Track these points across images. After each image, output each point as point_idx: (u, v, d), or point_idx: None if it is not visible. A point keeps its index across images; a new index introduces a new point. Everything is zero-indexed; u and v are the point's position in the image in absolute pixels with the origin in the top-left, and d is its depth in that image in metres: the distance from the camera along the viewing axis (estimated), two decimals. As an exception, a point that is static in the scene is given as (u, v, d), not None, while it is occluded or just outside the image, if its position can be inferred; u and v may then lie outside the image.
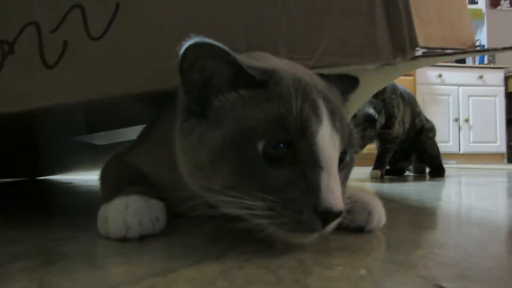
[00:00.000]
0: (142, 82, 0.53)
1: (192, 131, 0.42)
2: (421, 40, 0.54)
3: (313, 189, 0.37)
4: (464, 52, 0.66)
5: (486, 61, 4.54)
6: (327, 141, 0.38)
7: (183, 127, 0.43)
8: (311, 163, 0.38)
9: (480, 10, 4.57)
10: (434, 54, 0.66)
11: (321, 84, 0.43)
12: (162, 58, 0.50)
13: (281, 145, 0.38)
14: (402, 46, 0.53)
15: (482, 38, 4.63)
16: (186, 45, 0.38)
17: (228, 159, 0.38)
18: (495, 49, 0.70)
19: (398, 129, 1.72)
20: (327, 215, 0.37)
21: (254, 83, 0.40)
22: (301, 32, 0.53)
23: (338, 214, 0.37)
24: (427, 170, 1.94)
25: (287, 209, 0.37)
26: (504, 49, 0.66)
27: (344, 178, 0.43)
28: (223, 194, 0.39)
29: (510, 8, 4.74)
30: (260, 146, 0.37)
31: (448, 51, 0.65)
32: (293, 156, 0.38)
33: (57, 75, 0.52)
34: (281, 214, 0.37)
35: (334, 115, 0.40)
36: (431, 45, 0.60)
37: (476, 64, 4.58)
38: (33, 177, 1.76)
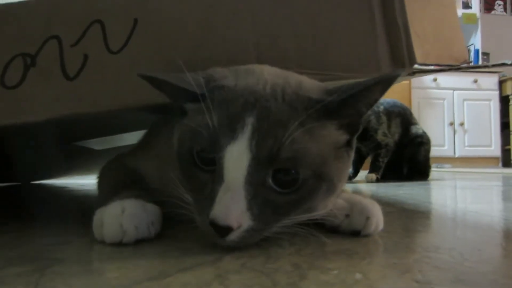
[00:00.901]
0: (158, 94, 0.55)
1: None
2: (419, 57, 0.57)
3: (211, 198, 0.40)
4: (458, 68, 0.69)
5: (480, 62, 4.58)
6: (234, 158, 0.39)
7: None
8: (218, 175, 0.40)
9: (474, 14, 4.61)
10: (430, 70, 0.69)
11: (278, 99, 0.41)
12: (177, 72, 0.54)
13: (202, 153, 0.42)
14: (401, 62, 0.56)
15: (476, 42, 4.67)
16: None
17: (177, 158, 0.46)
18: (486, 66, 0.74)
19: (384, 139, 1.81)
20: (214, 226, 0.39)
21: (200, 97, 0.43)
22: (309, 49, 0.56)
23: (225, 228, 0.38)
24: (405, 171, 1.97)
25: (195, 209, 0.43)
26: (494, 65, 0.70)
27: (289, 200, 0.41)
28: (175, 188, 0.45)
29: (504, 13, 4.79)
30: (194, 149, 0.42)
31: (443, 67, 0.68)
32: (211, 166, 0.41)
33: (77, 87, 0.54)
34: (197, 214, 0.42)
35: (263, 133, 0.39)
36: (427, 62, 0.63)
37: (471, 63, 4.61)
38: (27, 181, 1.74)
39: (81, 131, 0.92)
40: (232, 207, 0.38)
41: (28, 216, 0.75)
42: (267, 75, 0.45)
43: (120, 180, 0.59)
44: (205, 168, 0.42)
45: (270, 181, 0.40)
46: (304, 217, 0.44)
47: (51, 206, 0.96)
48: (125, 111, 0.58)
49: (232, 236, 0.39)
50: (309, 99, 0.42)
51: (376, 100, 0.44)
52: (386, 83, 0.42)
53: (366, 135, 1.77)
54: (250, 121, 0.39)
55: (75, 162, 1.47)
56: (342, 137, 0.44)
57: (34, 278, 0.33)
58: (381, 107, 1.83)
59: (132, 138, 0.80)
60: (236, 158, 0.39)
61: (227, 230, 0.38)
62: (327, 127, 0.43)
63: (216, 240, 0.40)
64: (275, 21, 0.56)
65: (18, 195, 1.28)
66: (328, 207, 0.47)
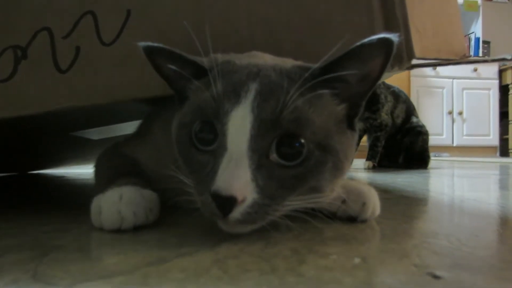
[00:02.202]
0: (152, 87, 0.54)
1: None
2: (417, 52, 0.57)
3: (213, 173, 0.37)
4: (457, 62, 0.69)
5: (480, 54, 4.56)
6: (238, 122, 0.38)
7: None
8: (221, 145, 0.38)
9: (476, 2, 4.57)
10: (429, 64, 0.69)
11: (276, 72, 0.41)
12: None
13: (208, 128, 0.40)
14: (400, 57, 0.56)
15: (477, 30, 4.64)
16: (142, 47, 0.44)
17: (178, 145, 0.44)
18: (485, 60, 0.74)
19: (386, 118, 1.84)
20: (216, 199, 0.36)
21: (201, 73, 0.43)
22: (304, 41, 0.56)
23: (227, 199, 0.35)
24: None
25: (196, 190, 0.40)
26: (494, 60, 0.70)
27: (294, 176, 0.39)
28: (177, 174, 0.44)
29: (505, 0, 4.74)
30: (194, 130, 0.41)
31: (441, 61, 0.68)
32: (212, 141, 0.40)
33: (69, 80, 0.53)
34: (198, 197, 0.40)
35: (270, 100, 0.38)
36: (426, 57, 0.63)
37: (471, 56, 4.59)
38: (24, 171, 1.74)
39: (77, 122, 0.91)
40: (236, 175, 0.36)
41: (25, 205, 0.75)
42: (267, 57, 0.47)
43: (117, 167, 0.58)
44: (204, 149, 0.41)
45: (274, 153, 0.38)
46: (311, 198, 0.41)
47: (48, 195, 0.96)
48: (119, 104, 0.57)
49: (236, 213, 0.36)
50: (301, 69, 0.42)
51: (368, 72, 0.41)
52: (368, 49, 0.39)
53: (373, 107, 1.80)
54: (253, 87, 0.39)
55: (72, 152, 1.47)
56: (340, 110, 0.43)
57: (33, 265, 0.33)
58: (391, 89, 1.88)
59: (128, 128, 0.79)
60: (240, 122, 0.38)
61: (231, 204, 0.36)
62: (323, 97, 0.41)
63: (219, 221, 0.38)
64: (270, 12, 0.56)
65: (15, 184, 1.28)
66: (334, 191, 0.45)
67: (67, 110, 0.55)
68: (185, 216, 0.54)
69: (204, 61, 0.43)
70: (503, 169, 1.92)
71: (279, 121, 0.38)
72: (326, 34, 0.56)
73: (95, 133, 1.12)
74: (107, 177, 0.54)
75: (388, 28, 0.56)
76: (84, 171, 1.73)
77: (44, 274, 0.31)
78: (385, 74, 0.63)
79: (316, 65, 0.41)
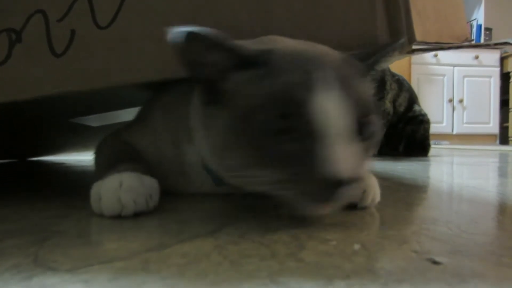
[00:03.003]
0: (149, 72, 0.53)
1: (211, 116, 0.43)
2: (418, 36, 0.56)
3: (322, 159, 0.36)
4: (459, 46, 0.68)
5: (482, 41, 4.51)
6: (332, 108, 0.38)
7: (204, 113, 0.45)
8: (318, 134, 0.37)
9: (478, -12, 4.51)
10: (430, 48, 0.68)
11: (333, 56, 0.44)
12: (169, 48, 0.52)
13: (286, 117, 0.37)
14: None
15: (479, 17, 4.59)
16: (178, 36, 0.38)
17: (244, 138, 0.39)
18: (487, 44, 0.73)
19: (389, 106, 1.83)
20: (337, 183, 0.36)
21: (254, 64, 0.40)
22: (305, 26, 0.55)
23: (347, 181, 0.36)
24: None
25: (300, 180, 0.37)
26: (496, 44, 0.69)
27: (366, 148, 0.41)
28: (240, 173, 0.40)
29: (508, -13, 4.68)
30: (270, 121, 0.38)
31: (443, 45, 0.67)
32: (299, 129, 0.37)
33: (65, 64, 0.52)
34: (296, 186, 0.37)
35: (345, 82, 0.39)
36: (428, 40, 0.62)
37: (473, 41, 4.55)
38: (23, 158, 1.74)
39: (76, 108, 0.91)
40: (345, 156, 0.36)
41: (26, 191, 0.75)
42: (290, 42, 0.47)
43: (117, 154, 0.58)
44: (285, 138, 0.38)
45: (357, 133, 0.39)
46: None
47: (49, 181, 0.96)
48: (115, 89, 0.56)
49: (345, 193, 0.37)
50: (354, 56, 0.46)
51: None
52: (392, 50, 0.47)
53: (379, 94, 1.80)
54: (331, 73, 0.39)
55: (72, 139, 1.46)
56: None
57: (34, 250, 0.34)
58: (396, 77, 1.88)
59: (129, 114, 0.79)
60: (331, 107, 0.38)
61: (345, 184, 0.36)
62: (365, 83, 0.45)
63: (320, 206, 0.38)
64: None
65: (15, 171, 1.28)
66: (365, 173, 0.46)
67: (64, 95, 0.54)
68: (185, 202, 0.55)
69: (255, 53, 0.41)
70: (503, 157, 1.92)
71: (357, 103, 0.39)
72: (326, 18, 0.55)
73: (95, 120, 1.12)
74: (107, 163, 0.54)
75: (389, 11, 0.56)
76: (84, 158, 1.73)
77: (45, 258, 0.31)
78: (386, 59, 0.63)
79: (363, 53, 0.47)
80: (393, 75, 1.89)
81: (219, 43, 0.40)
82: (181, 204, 0.53)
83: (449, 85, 4.46)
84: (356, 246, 0.34)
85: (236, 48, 0.40)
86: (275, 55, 0.41)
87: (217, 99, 0.42)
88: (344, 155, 0.36)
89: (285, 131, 0.37)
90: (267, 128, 0.38)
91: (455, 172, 1.19)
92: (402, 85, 1.91)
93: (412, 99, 1.95)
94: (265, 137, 0.38)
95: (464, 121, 4.48)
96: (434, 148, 2.48)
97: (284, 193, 0.38)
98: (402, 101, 1.90)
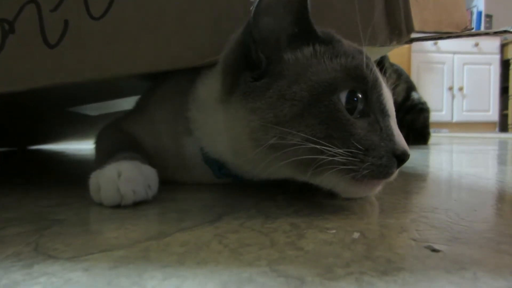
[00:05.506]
0: (143, 63, 0.53)
1: (267, 89, 0.42)
2: (417, 25, 0.56)
3: (388, 135, 0.42)
4: (458, 35, 0.67)
5: (482, 28, 4.47)
6: (387, 92, 0.44)
7: (251, 87, 0.43)
8: (381, 112, 0.43)
9: (479, -26, 4.45)
10: (428, 38, 0.67)
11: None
12: (163, 39, 0.52)
13: (359, 95, 0.42)
14: (399, 30, 0.56)
15: (480, 4, 4.54)
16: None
17: (313, 111, 0.40)
18: (487, 32, 0.71)
19: None
20: (403, 157, 0.41)
21: (323, 40, 0.44)
22: None
23: (408, 156, 0.42)
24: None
25: (370, 155, 0.40)
26: (496, 32, 0.68)
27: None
28: (308, 143, 0.39)
29: (510, -27, 4.61)
30: (342, 96, 0.41)
31: (442, 34, 0.66)
32: (366, 106, 0.42)
33: (59, 55, 0.52)
34: (364, 161, 0.40)
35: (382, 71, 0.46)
36: (426, 29, 0.62)
37: (473, 29, 4.51)
38: (23, 146, 1.74)
39: (74, 97, 0.90)
40: (402, 136, 0.43)
41: (26, 179, 0.75)
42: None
43: (116, 143, 0.58)
44: (355, 114, 0.42)
45: None
46: None
47: (49, 170, 0.96)
48: (109, 80, 0.56)
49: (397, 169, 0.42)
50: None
51: None
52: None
53: None
54: (371, 61, 0.44)
55: (71, 128, 1.46)
56: None
57: (34, 238, 0.34)
58: (394, 67, 1.91)
59: (127, 104, 0.78)
60: (387, 91, 0.44)
61: (407, 158, 0.42)
62: None
63: (380, 181, 0.43)
64: None
65: (15, 159, 1.28)
66: None
67: (57, 86, 0.53)
68: (185, 192, 0.55)
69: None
70: (502, 145, 1.92)
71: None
72: (322, 8, 0.54)
73: (93, 109, 1.11)
74: (106, 153, 0.54)
75: (387, 1, 0.55)
76: (83, 147, 1.72)
77: (45, 247, 0.31)
78: (384, 49, 0.62)
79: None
80: (392, 64, 1.89)
81: (304, 8, 0.42)
82: (181, 194, 0.53)
83: (449, 73, 4.43)
84: (356, 235, 0.34)
85: (310, 21, 0.43)
86: (337, 37, 0.45)
87: (272, 70, 0.43)
88: (400, 134, 0.42)
89: (357, 107, 0.42)
90: (339, 101, 0.41)
91: (454, 160, 1.19)
92: (401, 75, 1.92)
93: (410, 89, 1.95)
94: (337, 109, 0.40)
95: (464, 109, 4.47)
96: (433, 137, 2.48)
97: (346, 167, 0.40)
98: (401, 91, 1.91)
